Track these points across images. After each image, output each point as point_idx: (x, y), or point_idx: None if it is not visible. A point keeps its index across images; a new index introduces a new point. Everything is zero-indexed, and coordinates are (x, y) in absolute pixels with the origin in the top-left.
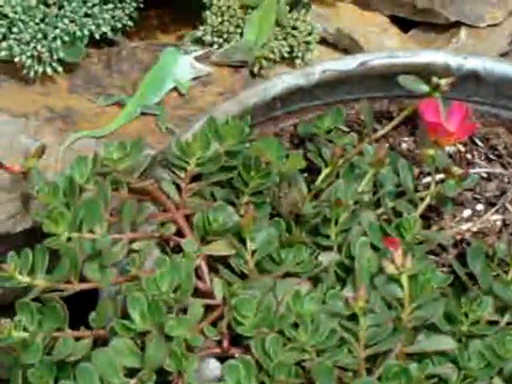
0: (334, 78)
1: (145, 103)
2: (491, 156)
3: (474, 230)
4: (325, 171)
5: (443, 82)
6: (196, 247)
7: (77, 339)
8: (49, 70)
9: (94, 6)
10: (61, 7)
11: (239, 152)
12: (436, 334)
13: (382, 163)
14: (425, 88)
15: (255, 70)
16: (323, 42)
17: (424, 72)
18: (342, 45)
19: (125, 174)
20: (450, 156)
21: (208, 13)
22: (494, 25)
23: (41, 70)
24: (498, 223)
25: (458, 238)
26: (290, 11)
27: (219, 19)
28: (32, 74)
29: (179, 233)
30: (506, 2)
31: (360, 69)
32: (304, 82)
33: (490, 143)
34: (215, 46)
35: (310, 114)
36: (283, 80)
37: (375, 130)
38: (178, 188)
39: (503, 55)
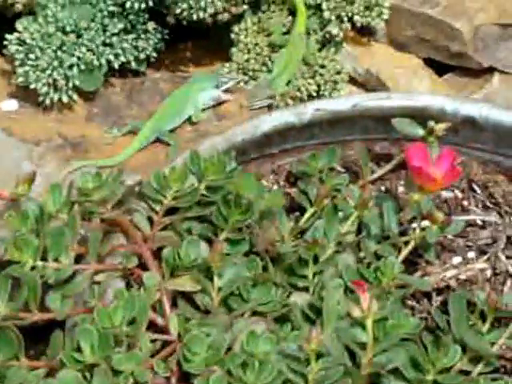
0: (327, 117)
1: (161, 128)
2: (488, 204)
3: (463, 277)
4: (309, 211)
5: (438, 126)
6: (158, 281)
7: (32, 369)
8: (64, 98)
9: (113, 35)
10: (79, 35)
11: (220, 187)
12: (398, 381)
13: (366, 205)
14: (420, 132)
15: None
16: (353, 81)
17: (420, 116)
18: (371, 85)
19: (100, 204)
20: (446, 202)
21: (234, 49)
22: None
23: (56, 97)
24: (488, 272)
25: (442, 285)
26: (319, 50)
27: (245, 56)
28: (48, 101)
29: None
30: None
31: (354, 110)
32: (295, 121)
33: (488, 191)
34: (241, 84)
35: (307, 152)
36: (272, 117)
37: (373, 172)
38: (151, 221)
39: None
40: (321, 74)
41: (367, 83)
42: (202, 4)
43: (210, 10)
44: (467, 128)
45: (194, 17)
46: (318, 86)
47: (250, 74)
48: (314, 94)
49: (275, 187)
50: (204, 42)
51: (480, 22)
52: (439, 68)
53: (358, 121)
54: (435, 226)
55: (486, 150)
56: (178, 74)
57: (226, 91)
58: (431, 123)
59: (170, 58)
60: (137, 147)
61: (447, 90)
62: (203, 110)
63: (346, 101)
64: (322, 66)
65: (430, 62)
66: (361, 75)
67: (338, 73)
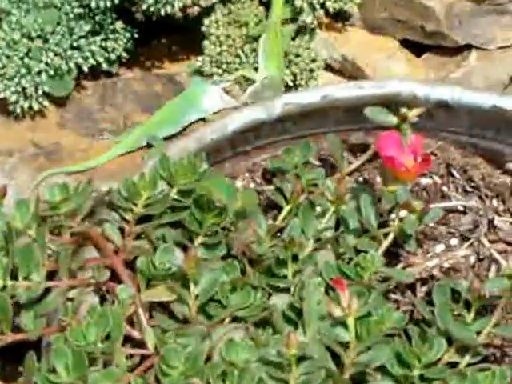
0: (297, 111)
1: (155, 134)
2: (468, 188)
3: (446, 265)
4: (285, 209)
5: (410, 113)
6: (132, 293)
7: None
8: (35, 105)
9: (80, 37)
10: (46, 40)
11: (192, 191)
12: (385, 378)
13: (342, 200)
14: (393, 120)
15: None
16: (330, 68)
17: (393, 103)
18: (348, 72)
19: (69, 217)
20: (425, 189)
21: (206, 42)
22: (506, 47)
23: (27, 105)
24: (472, 258)
25: (426, 275)
26: (293, 39)
27: (218, 49)
28: (18, 109)
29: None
30: None
31: (324, 101)
32: (265, 116)
33: (467, 174)
34: (215, 77)
35: (282, 147)
36: (244, 114)
37: (350, 163)
38: (123, 231)
39: None
40: (296, 64)
41: (344, 70)
42: None
43: (179, 4)
44: (441, 112)
45: (162, 12)
46: (294, 75)
47: (224, 66)
48: (291, 84)
49: (251, 185)
50: (178, 36)
51: None
52: (417, 48)
53: (330, 112)
54: (413, 215)
55: (462, 133)
56: (153, 72)
57: (228, 93)
58: (403, 110)
59: (144, 56)
60: (123, 150)
61: (425, 71)
62: (214, 113)
63: (316, 92)
64: (297, 55)
65: (406, 43)
66: (337, 62)
67: (314, 61)
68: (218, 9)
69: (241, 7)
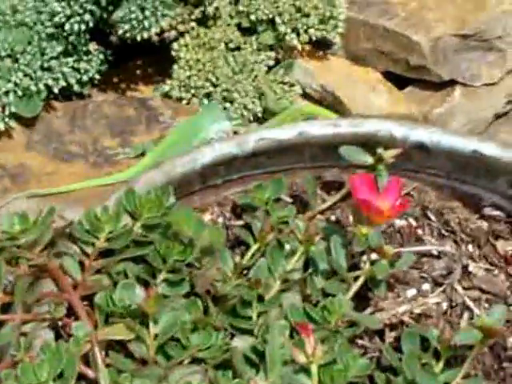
0: (272, 146)
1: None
2: (444, 232)
3: (417, 311)
4: (253, 247)
5: (387, 153)
6: (89, 331)
7: None
8: (1, 126)
9: (52, 58)
10: (15, 60)
11: (158, 225)
12: None
13: (312, 240)
14: (369, 159)
15: None
16: (309, 98)
17: (370, 142)
18: (327, 102)
19: (27, 248)
20: (399, 231)
21: (175, 67)
22: (491, 84)
23: None
24: (444, 305)
25: (395, 320)
26: (270, 68)
27: (187, 73)
28: None
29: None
30: (504, 60)
31: (299, 138)
32: (238, 151)
33: (443, 218)
34: (184, 101)
35: (254, 182)
36: (214, 149)
37: (324, 201)
38: (83, 264)
39: (500, 116)
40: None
41: (323, 100)
42: (146, 24)
43: (155, 30)
44: (419, 153)
45: (138, 37)
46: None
47: (192, 91)
48: (260, 115)
49: (220, 220)
50: (154, 58)
51: (439, 33)
52: (399, 81)
53: (306, 148)
54: (385, 260)
55: (440, 176)
56: (125, 96)
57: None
58: (380, 150)
59: (118, 78)
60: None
61: (407, 105)
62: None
63: (291, 129)
64: (270, 89)
65: (389, 75)
66: (316, 91)
67: (287, 94)
68: (188, 33)
69: (215, 31)
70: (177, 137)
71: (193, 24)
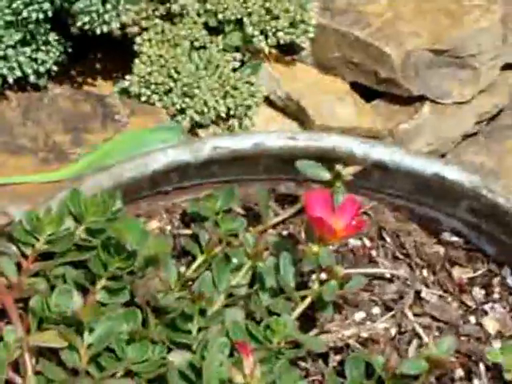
0: (227, 156)
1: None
2: (398, 254)
3: (365, 335)
4: (199, 259)
5: (345, 170)
6: (21, 336)
7: None
8: None
9: (8, 47)
10: None
11: (102, 231)
12: None
13: (260, 255)
14: (326, 175)
15: (185, 127)
16: (272, 105)
17: (329, 158)
18: (291, 110)
19: None
20: (352, 251)
21: (137, 61)
22: (462, 102)
23: None
24: (393, 330)
25: (341, 343)
26: (235, 69)
27: (148, 69)
28: None
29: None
30: (477, 78)
31: (255, 149)
32: (191, 159)
33: (399, 240)
34: (143, 98)
35: (206, 190)
36: (167, 154)
37: (277, 215)
38: (20, 266)
39: (469, 136)
40: (232, 96)
41: (287, 108)
42: (106, 17)
43: (116, 24)
44: (379, 173)
45: (98, 30)
46: (228, 109)
47: (153, 87)
48: (224, 116)
49: (168, 227)
50: (115, 52)
51: (412, 47)
52: (367, 93)
53: (261, 160)
54: (334, 281)
55: (399, 196)
56: (83, 91)
57: None
58: (338, 167)
59: (76, 71)
60: (64, 176)
61: (373, 119)
62: None
63: (247, 139)
64: (235, 88)
65: (357, 87)
66: (281, 99)
67: (252, 96)
68: (152, 27)
69: (181, 28)
70: (117, 149)
71: (157, 20)
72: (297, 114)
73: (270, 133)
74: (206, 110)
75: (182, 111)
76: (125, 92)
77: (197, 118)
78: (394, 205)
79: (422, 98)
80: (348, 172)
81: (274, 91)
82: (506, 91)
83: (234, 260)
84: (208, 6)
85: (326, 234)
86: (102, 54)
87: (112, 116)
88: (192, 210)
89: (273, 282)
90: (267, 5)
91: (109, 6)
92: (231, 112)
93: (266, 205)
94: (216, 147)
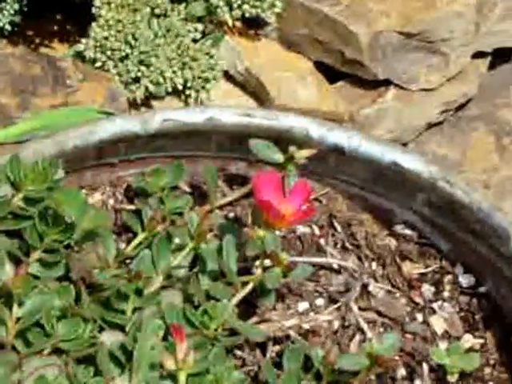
0: (177, 129)
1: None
2: (348, 245)
3: (306, 327)
4: (140, 236)
5: (299, 153)
6: None
7: None
8: None
9: None
10: None
11: (40, 200)
12: None
13: (203, 237)
14: (280, 157)
15: (138, 97)
16: (232, 80)
17: (284, 139)
18: (250, 87)
19: None
20: (299, 238)
21: (94, 25)
22: (428, 89)
23: None
24: (336, 323)
25: (280, 334)
26: (195, 40)
27: (105, 33)
28: None
29: None
30: (446, 65)
31: (208, 124)
32: (140, 130)
33: (350, 230)
34: (98, 64)
35: (153, 164)
36: (115, 124)
37: (225, 196)
38: None
39: (433, 125)
40: (190, 68)
41: (247, 84)
42: None
43: None
44: (335, 157)
45: None
46: (185, 80)
47: (108, 53)
48: (180, 88)
49: (111, 201)
50: (73, 14)
51: (381, 27)
52: (331, 74)
53: (214, 136)
54: (278, 268)
55: (354, 184)
56: (37, 51)
57: None
58: (292, 149)
59: (31, 31)
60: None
61: (335, 101)
62: None
63: (200, 113)
64: (194, 59)
65: (322, 66)
66: (240, 74)
67: (212, 69)
68: None
69: None
70: (62, 117)
71: None
72: (256, 90)
73: (225, 107)
74: (161, 80)
75: (137, 80)
76: (80, 56)
77: (152, 88)
78: (348, 193)
79: (387, 83)
80: (302, 155)
81: (234, 65)
82: (475, 80)
83: (176, 240)
84: None
85: (273, 218)
86: (59, 15)
87: (63, 80)
88: (137, 184)
89: (215, 265)
90: None
91: None
92: (188, 84)
93: (213, 184)
94: (166, 119)
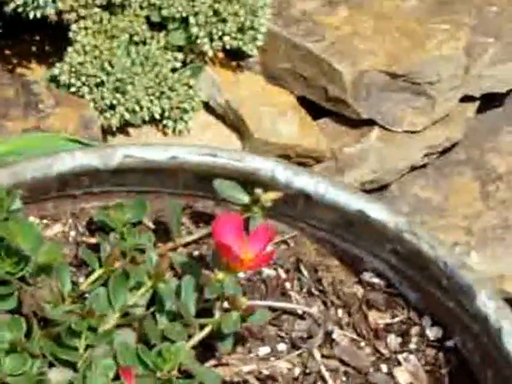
0: (139, 166)
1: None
2: (314, 290)
3: (265, 373)
4: (97, 272)
5: (266, 196)
6: None
7: None
8: None
9: None
10: None
11: None
12: None
13: (161, 276)
14: (245, 198)
15: (114, 124)
16: (212, 111)
17: (250, 180)
18: (230, 120)
19: None
20: (264, 281)
21: (70, 49)
22: (413, 132)
23: None
24: (297, 370)
25: (237, 379)
26: (174, 70)
27: (80, 59)
28: None
29: None
30: (432, 108)
31: (172, 162)
32: (100, 165)
33: (317, 275)
34: (73, 89)
35: (118, 198)
36: (75, 157)
37: (190, 233)
38: None
39: (416, 168)
40: (168, 98)
41: (226, 116)
42: (41, 2)
43: (50, 10)
44: (303, 201)
45: (31, 15)
46: (163, 110)
47: (83, 79)
48: (158, 118)
49: (72, 233)
50: (50, 37)
51: (366, 66)
52: (316, 109)
53: (179, 173)
54: (236, 312)
55: (322, 229)
56: (11, 73)
57: None
58: (258, 191)
59: (7, 52)
60: None
61: (317, 138)
62: None
63: (163, 151)
64: (172, 89)
65: (306, 101)
66: (220, 106)
67: (190, 99)
68: (90, 16)
69: (120, 19)
70: (29, 144)
71: (96, 9)
72: (236, 123)
73: (189, 146)
74: (137, 108)
75: (112, 107)
76: (55, 80)
77: (127, 116)
78: (316, 237)
79: (371, 122)
80: (268, 198)
81: (214, 97)
82: (461, 125)
83: (134, 278)
84: (152, 0)
85: (232, 262)
86: (37, 37)
87: (35, 105)
88: (98, 218)
89: (172, 305)
90: (216, 6)
91: None
92: (166, 113)
93: (177, 221)
94: (127, 156)
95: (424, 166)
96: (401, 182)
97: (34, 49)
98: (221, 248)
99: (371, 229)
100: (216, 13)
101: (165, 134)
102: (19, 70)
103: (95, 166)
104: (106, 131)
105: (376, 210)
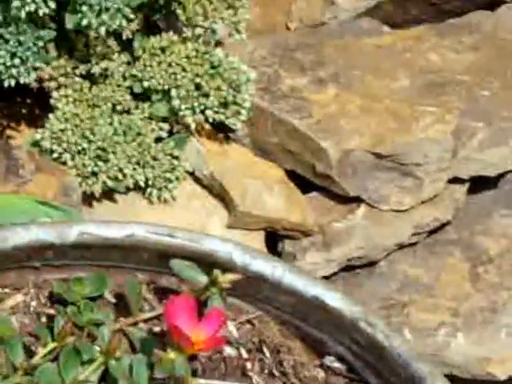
0: (97, 243)
1: None
2: (275, 372)
3: None
4: (49, 346)
5: (224, 277)
6: None
7: None
8: None
9: None
10: None
11: None
12: None
13: (112, 353)
14: (203, 279)
15: (96, 191)
16: (199, 181)
17: (208, 261)
18: (215, 191)
19: None
20: (225, 360)
21: (51, 116)
22: (400, 211)
23: None
24: None
25: None
26: (158, 140)
27: (61, 126)
28: None
29: None
30: (419, 189)
31: (129, 240)
32: (56, 240)
33: (279, 357)
34: (55, 155)
35: (79, 271)
36: (30, 232)
37: (153, 309)
38: None
39: (403, 247)
40: (152, 167)
41: (212, 188)
42: (14, 72)
43: (25, 80)
44: (263, 284)
45: (6, 83)
46: (147, 179)
47: (64, 145)
48: (143, 185)
49: (33, 303)
50: (33, 102)
51: (352, 146)
52: (307, 182)
53: (139, 250)
54: None
55: (286, 311)
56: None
57: None
58: (216, 272)
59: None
60: None
61: (303, 213)
62: None
63: (120, 229)
64: (155, 159)
65: (296, 175)
66: (206, 177)
67: (173, 169)
68: (70, 85)
69: (102, 89)
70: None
71: (77, 79)
72: (221, 195)
73: (146, 225)
74: (121, 176)
75: (95, 174)
76: (36, 146)
77: (110, 183)
78: (281, 318)
79: (359, 199)
80: (226, 279)
81: (199, 168)
82: (450, 205)
83: (85, 354)
84: (134, 71)
85: (183, 343)
86: (22, 102)
87: (16, 170)
88: (57, 291)
89: (125, 382)
90: (198, 80)
91: (17, 61)
92: (149, 182)
93: (136, 296)
94: (84, 233)
95: (414, 243)
96: (390, 259)
97: (18, 113)
98: (172, 329)
99: (330, 315)
100: (198, 87)
101: (151, 201)
102: (3, 133)
103: (51, 241)
104: (90, 197)
105: (332, 298)
